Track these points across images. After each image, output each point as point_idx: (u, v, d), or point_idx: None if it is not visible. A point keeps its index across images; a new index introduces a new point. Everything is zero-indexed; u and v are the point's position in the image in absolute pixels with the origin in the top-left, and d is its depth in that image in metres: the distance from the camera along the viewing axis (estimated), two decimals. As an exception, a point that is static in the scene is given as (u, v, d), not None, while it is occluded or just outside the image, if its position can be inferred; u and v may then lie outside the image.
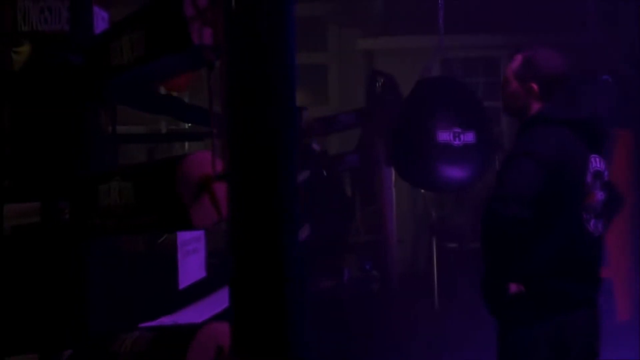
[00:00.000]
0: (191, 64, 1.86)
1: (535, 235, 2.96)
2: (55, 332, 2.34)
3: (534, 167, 2.93)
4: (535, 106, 3.12)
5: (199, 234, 3.33)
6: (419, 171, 4.90)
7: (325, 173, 6.05)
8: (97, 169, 2.32)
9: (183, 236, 3.12)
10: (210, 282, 3.45)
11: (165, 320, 3.16)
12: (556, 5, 7.22)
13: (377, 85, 6.33)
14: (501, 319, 3.11)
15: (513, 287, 3.01)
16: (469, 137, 4.70)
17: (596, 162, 3.12)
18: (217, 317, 3.44)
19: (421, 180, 5.12)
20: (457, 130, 4.69)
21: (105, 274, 2.46)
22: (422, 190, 6.83)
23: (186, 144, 10.85)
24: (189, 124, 7.85)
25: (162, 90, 5.45)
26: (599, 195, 3.11)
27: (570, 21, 6.04)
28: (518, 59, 3.18)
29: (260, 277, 1.60)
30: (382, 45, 8.37)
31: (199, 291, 3.44)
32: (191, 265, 3.27)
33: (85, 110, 2.33)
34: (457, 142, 4.68)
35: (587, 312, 3.11)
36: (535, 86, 3.10)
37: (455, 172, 4.76)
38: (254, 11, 1.59)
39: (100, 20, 2.53)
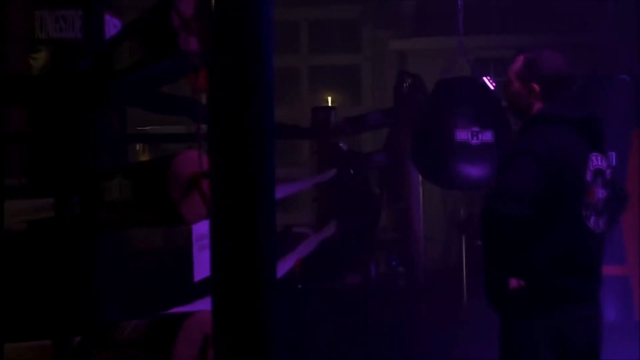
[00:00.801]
0: (181, 68, 1.97)
1: (536, 232, 3.01)
2: (66, 320, 2.47)
3: (533, 165, 2.98)
4: (537, 106, 3.17)
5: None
6: (438, 169, 4.96)
7: (352, 171, 6.15)
8: (106, 167, 2.46)
9: (199, 230, 3.24)
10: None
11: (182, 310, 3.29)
12: (583, 5, 7.22)
13: (405, 85, 6.41)
14: (503, 313, 3.17)
15: (513, 283, 3.06)
16: (487, 136, 4.75)
17: (597, 161, 3.16)
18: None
19: (440, 178, 5.18)
20: (475, 129, 4.74)
21: (117, 267, 2.59)
22: (450, 189, 6.87)
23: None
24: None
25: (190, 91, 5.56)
26: (600, 193, 3.14)
27: (591, 21, 6.03)
28: (520, 59, 3.23)
29: (236, 276, 1.70)
30: (414, 46, 8.43)
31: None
32: (206, 259, 3.38)
33: (93, 112, 2.45)
34: (474, 141, 4.73)
35: (587, 307, 3.14)
36: (536, 86, 3.15)
37: (472, 171, 4.80)
38: (233, 19, 1.69)
39: (113, 27, 2.67)
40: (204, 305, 3.49)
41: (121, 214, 2.16)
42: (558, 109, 3.16)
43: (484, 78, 5.36)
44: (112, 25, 2.65)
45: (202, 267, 3.35)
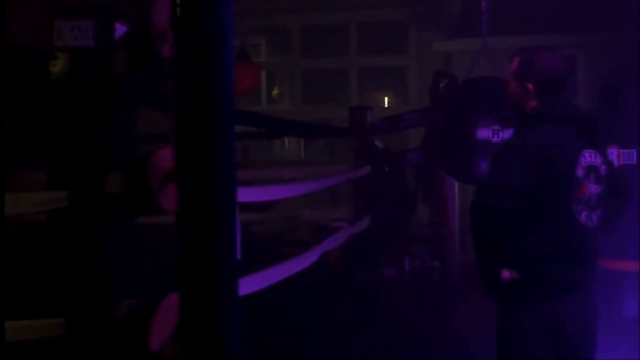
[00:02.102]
0: (163, 75, 2.14)
1: (527, 225, 3.11)
2: (79, 301, 2.68)
3: (522, 160, 3.08)
4: (532, 104, 3.26)
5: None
6: (460, 167, 5.05)
7: (387, 169, 6.26)
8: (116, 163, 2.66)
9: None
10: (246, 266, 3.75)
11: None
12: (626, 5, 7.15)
13: (441, 85, 6.49)
14: (498, 302, 3.27)
15: (506, 274, 3.17)
16: (507, 134, 4.81)
17: (591, 157, 3.22)
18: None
19: (460, 174, 5.26)
20: (496, 127, 4.82)
21: (128, 254, 2.79)
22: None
23: (286, 141, 11.29)
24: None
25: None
26: (593, 189, 3.21)
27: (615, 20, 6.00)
28: (516, 60, 3.33)
29: (194, 274, 1.87)
30: (457, 47, 8.49)
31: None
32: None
33: (103, 113, 2.66)
34: (495, 139, 4.81)
35: (580, 297, 3.21)
36: (530, 86, 3.24)
37: (492, 167, 4.86)
38: (194, 27, 1.86)
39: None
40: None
41: (117, 205, 2.36)
42: (551, 107, 3.24)
43: None
44: (122, 32, 2.85)
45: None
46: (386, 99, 10.92)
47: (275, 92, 11.69)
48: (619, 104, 4.86)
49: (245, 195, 4.05)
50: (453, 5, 8.71)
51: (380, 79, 9.86)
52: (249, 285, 3.85)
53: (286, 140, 10.87)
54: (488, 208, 3.06)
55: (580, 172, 3.17)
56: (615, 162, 5.07)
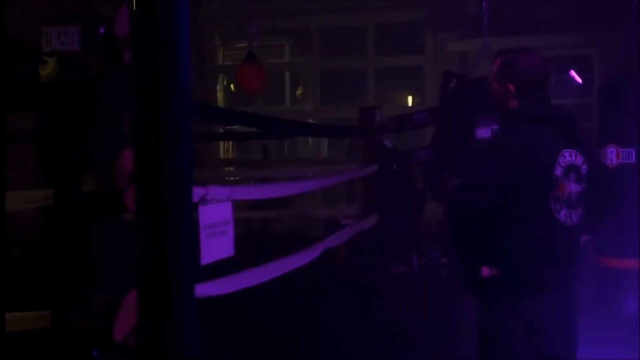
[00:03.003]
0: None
1: (506, 223, 3.12)
2: (65, 294, 2.76)
3: (499, 159, 3.09)
4: (513, 105, 3.26)
5: (228, 218, 3.71)
6: (459, 166, 5.04)
7: (395, 167, 6.27)
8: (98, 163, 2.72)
9: (206, 220, 3.50)
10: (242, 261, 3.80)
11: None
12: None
13: (450, 85, 6.48)
14: (479, 299, 3.28)
15: (485, 271, 3.18)
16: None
17: (571, 157, 3.22)
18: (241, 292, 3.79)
19: (461, 174, 5.25)
20: (495, 127, 4.80)
21: (114, 249, 2.86)
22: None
23: (310, 140, 11.34)
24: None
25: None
26: (573, 188, 3.20)
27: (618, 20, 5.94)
28: (498, 62, 3.33)
29: (148, 271, 1.92)
30: (472, 47, 8.44)
31: (229, 268, 3.77)
32: (217, 245, 3.63)
33: (86, 114, 2.72)
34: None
35: (560, 295, 3.21)
36: (512, 87, 3.25)
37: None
38: (149, 31, 1.91)
39: (108, 40, 2.93)
40: (211, 286, 3.74)
41: (94, 203, 2.42)
42: (531, 107, 3.24)
43: (571, 73, 5.35)
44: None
45: (209, 252, 3.60)
46: (410, 98, 10.92)
47: (298, 92, 11.76)
48: (619, 104, 4.83)
49: (241, 193, 4.12)
50: (469, 5, 8.67)
51: (398, 79, 9.87)
52: (245, 280, 3.92)
53: (310, 139, 10.93)
54: (464, 207, 3.07)
55: (558, 172, 3.16)
56: (615, 161, 5.05)
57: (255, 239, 8.08)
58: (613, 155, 4.85)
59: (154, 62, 1.88)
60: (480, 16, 8.56)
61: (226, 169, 10.56)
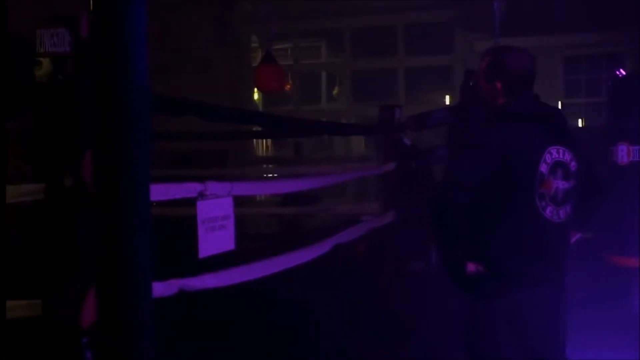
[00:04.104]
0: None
1: (491, 219, 3.07)
2: (55, 284, 2.81)
3: (480, 156, 3.04)
4: (501, 102, 3.21)
5: (228, 213, 3.74)
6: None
7: (414, 165, 6.22)
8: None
9: (205, 214, 3.54)
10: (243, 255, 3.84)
11: (189, 282, 3.55)
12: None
13: (470, 83, 6.40)
14: (465, 294, 3.24)
15: (471, 267, 3.13)
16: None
17: (558, 154, 3.15)
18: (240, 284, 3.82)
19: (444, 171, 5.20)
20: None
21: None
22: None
23: (346, 138, 11.34)
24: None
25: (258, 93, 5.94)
26: (560, 185, 3.13)
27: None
28: (485, 60, 3.28)
29: (103, 265, 1.94)
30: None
31: (229, 261, 3.79)
32: (216, 239, 3.66)
33: (72, 113, 2.77)
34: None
35: (545, 291, 3.14)
36: (499, 84, 3.20)
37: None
38: (104, 36, 1.94)
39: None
40: (209, 279, 3.77)
41: (72, 198, 2.47)
42: (517, 104, 3.18)
43: (617, 71, 5.26)
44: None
45: (208, 246, 3.64)
46: (447, 97, 10.83)
47: (335, 91, 11.79)
48: (630, 101, 4.71)
49: (242, 189, 4.14)
50: (496, 5, 8.55)
51: (429, 78, 9.81)
52: (246, 273, 3.94)
53: (344, 138, 10.96)
54: (444, 203, 3.03)
55: (544, 168, 3.10)
56: (625, 159, 4.92)
57: (283, 234, 8.14)
58: (624, 152, 4.73)
59: (108, 61, 1.91)
60: (512, 15, 8.47)
61: (264, 166, 10.66)
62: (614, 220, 4.66)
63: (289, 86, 9.79)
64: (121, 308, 1.93)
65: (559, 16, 8.33)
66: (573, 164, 3.18)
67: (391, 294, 5.90)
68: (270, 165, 10.58)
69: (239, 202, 3.80)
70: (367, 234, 5.65)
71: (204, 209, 3.56)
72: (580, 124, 8.86)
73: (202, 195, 3.53)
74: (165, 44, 8.88)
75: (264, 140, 11.27)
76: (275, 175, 8.91)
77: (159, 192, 3.22)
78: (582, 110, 8.90)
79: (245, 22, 9.98)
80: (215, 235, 3.66)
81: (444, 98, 9.81)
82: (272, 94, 7.54)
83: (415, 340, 5.37)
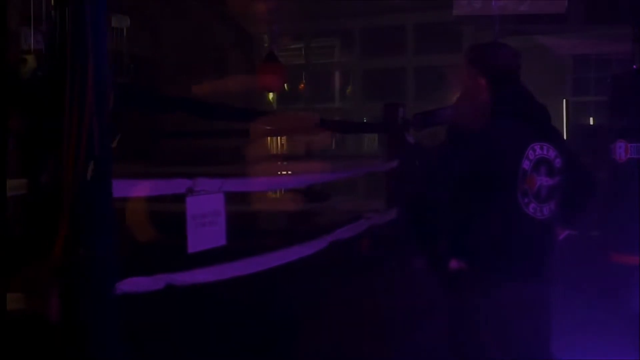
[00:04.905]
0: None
1: (473, 215, 3.02)
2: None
3: (458, 152, 2.99)
4: (484, 99, 3.15)
5: (219, 209, 3.72)
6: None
7: (417, 163, 6.16)
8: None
9: (194, 210, 3.53)
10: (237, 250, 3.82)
11: (177, 277, 3.54)
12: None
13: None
14: (447, 291, 3.19)
15: (454, 263, 3.08)
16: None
17: (542, 150, 3.09)
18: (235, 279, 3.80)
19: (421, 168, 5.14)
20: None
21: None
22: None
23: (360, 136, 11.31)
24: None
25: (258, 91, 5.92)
26: (543, 181, 3.07)
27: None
28: (469, 56, 3.23)
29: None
30: (509, 45, 8.24)
31: (220, 256, 3.77)
32: (206, 235, 3.65)
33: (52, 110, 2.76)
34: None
35: (528, 287, 3.09)
36: (482, 81, 3.14)
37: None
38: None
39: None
40: (201, 273, 3.75)
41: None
42: (501, 101, 3.13)
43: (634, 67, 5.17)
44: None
45: (197, 241, 3.62)
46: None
47: (348, 90, 11.77)
48: (629, 99, 4.62)
49: (232, 185, 4.11)
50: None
51: (436, 77, 9.74)
52: (236, 269, 3.92)
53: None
54: (422, 199, 2.99)
55: (526, 165, 3.04)
56: (623, 156, 4.83)
57: (289, 230, 8.10)
58: (622, 150, 4.64)
59: (64, 54, 1.90)
60: (520, 15, 8.37)
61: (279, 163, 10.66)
62: (613, 218, 4.58)
63: (302, 85, 9.78)
64: (83, 305, 1.92)
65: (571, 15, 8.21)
66: (558, 160, 3.12)
67: (393, 290, 5.84)
68: (284, 162, 10.57)
69: (249, 199, 3.78)
70: (368, 231, 5.59)
71: (193, 205, 3.55)
72: (591, 122, 8.76)
73: (191, 190, 3.52)
74: (186, 45, 8.89)
75: (278, 138, 11.27)
76: (289, 172, 8.90)
77: (148, 188, 3.21)
78: (590, 108, 8.78)
79: (258, 21, 9.98)
80: (206, 231, 3.65)
81: (454, 96, 9.72)
82: (272, 91, 7.52)
83: (416, 337, 5.33)
